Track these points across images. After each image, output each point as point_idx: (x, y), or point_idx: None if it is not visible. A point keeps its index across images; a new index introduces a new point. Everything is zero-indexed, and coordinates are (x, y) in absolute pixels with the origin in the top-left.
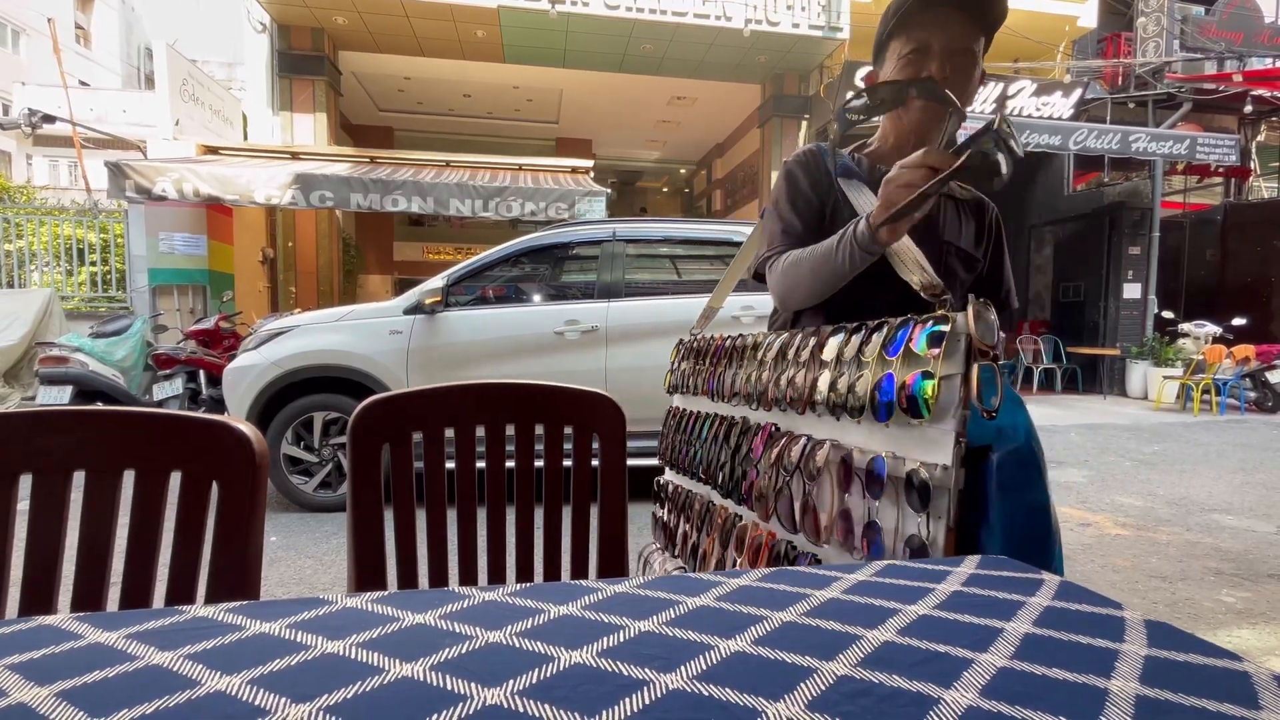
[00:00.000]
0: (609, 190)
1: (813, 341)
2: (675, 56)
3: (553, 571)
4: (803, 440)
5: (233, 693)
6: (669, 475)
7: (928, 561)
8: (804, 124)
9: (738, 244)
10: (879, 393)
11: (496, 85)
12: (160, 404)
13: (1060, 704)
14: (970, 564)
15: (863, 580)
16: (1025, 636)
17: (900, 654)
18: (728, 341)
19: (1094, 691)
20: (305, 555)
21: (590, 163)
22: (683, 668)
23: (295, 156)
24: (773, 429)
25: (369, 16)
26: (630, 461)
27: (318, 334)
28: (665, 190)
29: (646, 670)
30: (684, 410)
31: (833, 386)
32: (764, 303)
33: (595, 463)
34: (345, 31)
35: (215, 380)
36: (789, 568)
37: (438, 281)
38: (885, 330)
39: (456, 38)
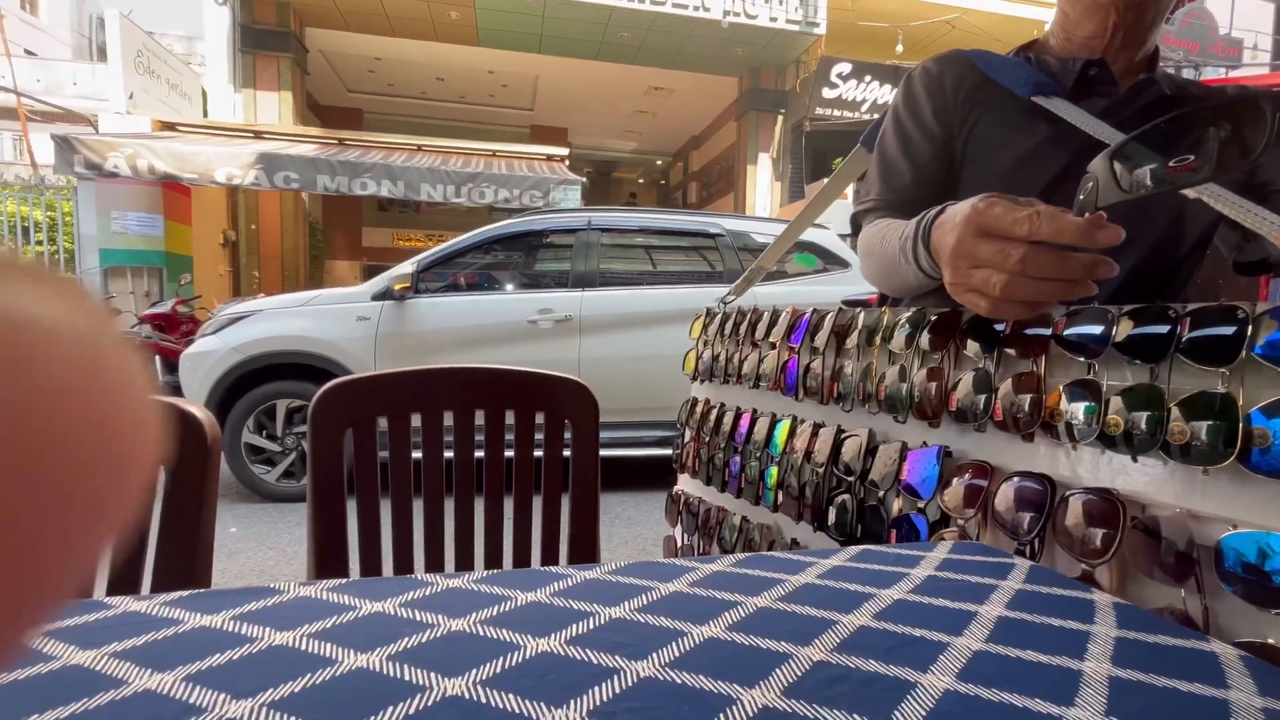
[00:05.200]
0: (584, 179)
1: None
2: (653, 46)
3: (522, 561)
4: (1033, 484)
5: (164, 691)
6: (690, 488)
7: (902, 546)
8: (780, 118)
9: (714, 235)
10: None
11: (470, 69)
12: None
13: (1036, 686)
14: (944, 548)
15: (838, 565)
16: (999, 619)
17: (876, 639)
18: (814, 317)
19: (1068, 673)
20: (267, 546)
21: (565, 151)
22: (654, 655)
23: (259, 135)
24: (942, 453)
25: None
26: (602, 452)
27: (281, 319)
28: (641, 181)
29: (617, 658)
30: (722, 405)
31: (1106, 406)
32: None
33: (566, 452)
34: (312, 7)
35: (172, 367)
36: (764, 553)
37: (408, 267)
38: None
39: (429, 18)
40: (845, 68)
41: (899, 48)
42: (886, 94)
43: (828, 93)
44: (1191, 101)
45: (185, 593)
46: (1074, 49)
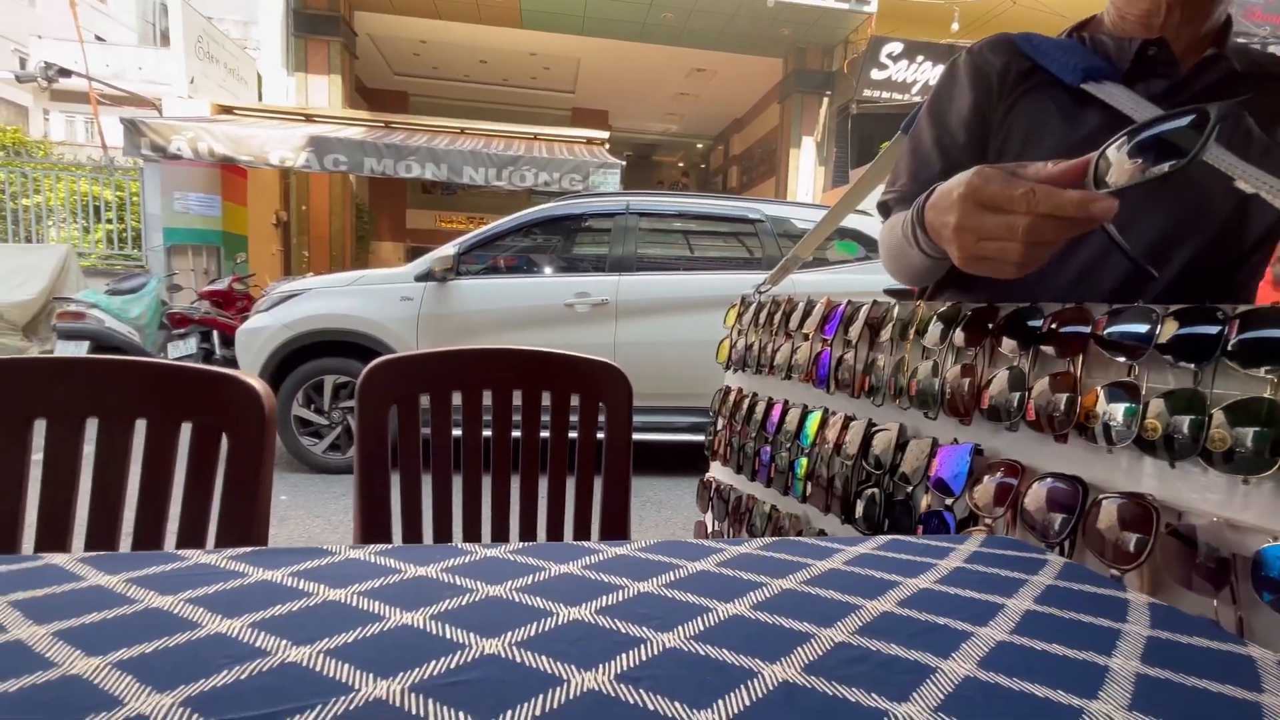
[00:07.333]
0: (623, 162)
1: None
2: (696, 26)
3: (555, 537)
4: (1065, 485)
5: (233, 635)
6: (721, 475)
7: (931, 538)
8: (825, 100)
9: (753, 221)
10: None
11: (513, 52)
12: None
13: (1058, 678)
14: (975, 542)
15: (865, 553)
16: (1026, 613)
17: (899, 624)
18: (848, 309)
19: (1093, 668)
20: (314, 515)
21: (605, 134)
22: (680, 628)
23: (309, 119)
24: (974, 450)
25: None
26: (634, 436)
27: (329, 298)
28: (681, 165)
29: (643, 629)
30: (754, 395)
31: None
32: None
33: (600, 434)
34: None
35: (229, 341)
36: (792, 538)
37: (450, 249)
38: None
39: (474, 0)
40: (896, 47)
41: (954, 26)
42: (939, 75)
43: (876, 74)
44: (1263, 77)
45: (249, 549)
46: (1129, 27)
